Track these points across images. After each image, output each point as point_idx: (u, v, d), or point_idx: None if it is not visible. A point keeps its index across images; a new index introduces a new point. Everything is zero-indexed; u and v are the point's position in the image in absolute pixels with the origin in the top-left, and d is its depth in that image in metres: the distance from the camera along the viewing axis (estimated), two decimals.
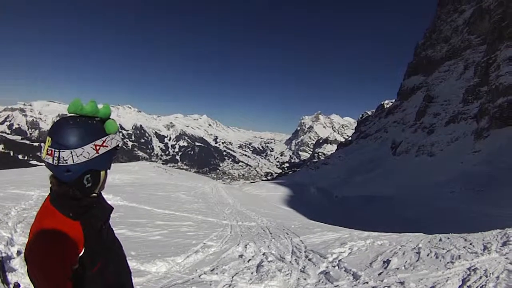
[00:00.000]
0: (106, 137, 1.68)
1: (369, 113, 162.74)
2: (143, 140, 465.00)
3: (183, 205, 18.48)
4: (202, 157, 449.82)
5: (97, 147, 1.64)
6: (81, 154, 1.59)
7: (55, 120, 1.66)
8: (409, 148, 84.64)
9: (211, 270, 6.61)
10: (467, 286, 5.17)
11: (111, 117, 1.77)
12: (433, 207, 36.80)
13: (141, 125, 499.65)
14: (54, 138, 1.58)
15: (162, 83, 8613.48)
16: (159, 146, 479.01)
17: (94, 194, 1.78)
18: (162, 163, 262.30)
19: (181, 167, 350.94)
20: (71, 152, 1.57)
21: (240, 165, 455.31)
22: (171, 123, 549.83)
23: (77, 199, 1.68)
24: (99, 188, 1.79)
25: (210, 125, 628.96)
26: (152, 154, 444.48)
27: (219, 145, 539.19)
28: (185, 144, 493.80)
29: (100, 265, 1.74)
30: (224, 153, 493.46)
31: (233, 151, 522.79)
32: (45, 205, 1.70)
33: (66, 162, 1.57)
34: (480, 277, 5.40)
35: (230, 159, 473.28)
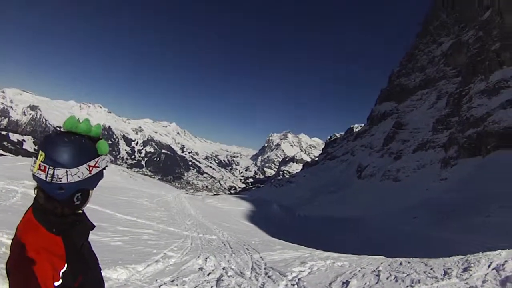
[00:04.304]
0: (98, 158, 1.73)
1: (338, 135, 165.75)
2: (110, 142, 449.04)
3: (145, 212, 18.27)
4: (168, 165, 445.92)
5: (91, 168, 1.68)
6: (75, 174, 1.61)
7: (48, 134, 1.65)
8: (374, 172, 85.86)
9: (171, 281, 6.57)
10: None
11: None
12: (395, 231, 37.09)
13: (109, 126, 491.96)
14: (49, 154, 1.57)
15: (135, 86, 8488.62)
16: (125, 150, 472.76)
17: (79, 211, 1.81)
18: (127, 167, 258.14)
19: (146, 173, 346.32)
20: (67, 172, 1.58)
21: (204, 177, 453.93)
22: (140, 127, 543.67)
23: (65, 215, 1.69)
24: (85, 205, 1.82)
25: (178, 133, 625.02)
26: (118, 157, 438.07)
27: (186, 154, 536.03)
28: (152, 150, 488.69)
29: (80, 280, 1.73)
30: (190, 163, 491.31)
31: (199, 161, 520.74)
32: (27, 218, 1.68)
33: (60, 180, 1.58)
34: None
35: (195, 170, 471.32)
